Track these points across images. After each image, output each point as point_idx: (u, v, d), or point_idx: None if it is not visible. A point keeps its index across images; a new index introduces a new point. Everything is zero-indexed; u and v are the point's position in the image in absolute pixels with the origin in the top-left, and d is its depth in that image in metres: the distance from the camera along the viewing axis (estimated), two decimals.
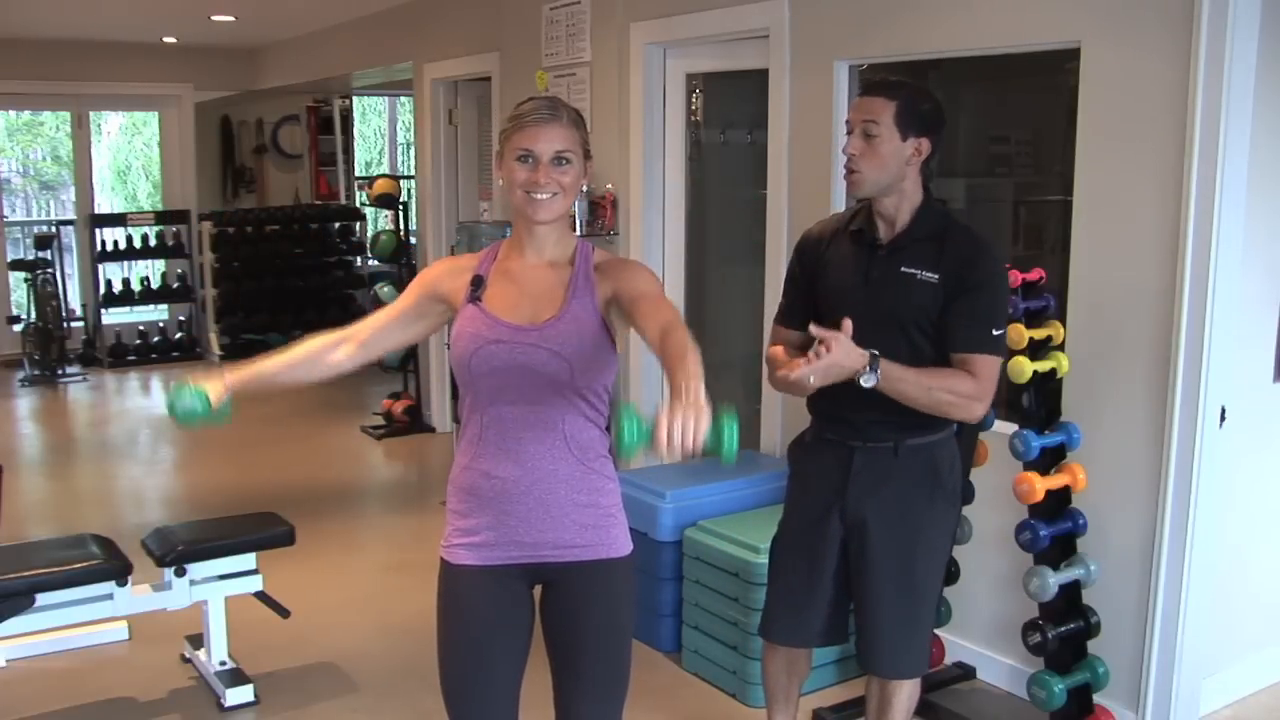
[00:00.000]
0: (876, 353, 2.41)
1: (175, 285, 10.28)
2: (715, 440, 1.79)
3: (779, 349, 2.78)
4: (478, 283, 2.23)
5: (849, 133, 2.63)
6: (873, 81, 2.70)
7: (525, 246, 2.24)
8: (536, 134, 2.15)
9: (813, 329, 2.40)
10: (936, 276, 2.56)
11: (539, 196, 2.15)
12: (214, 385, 2.28)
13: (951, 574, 3.61)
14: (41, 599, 3.43)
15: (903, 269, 2.60)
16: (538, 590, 2.30)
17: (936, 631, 3.72)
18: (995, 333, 2.55)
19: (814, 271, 2.76)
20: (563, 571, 2.23)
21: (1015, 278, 3.24)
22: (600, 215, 5.20)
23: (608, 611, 2.24)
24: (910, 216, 2.64)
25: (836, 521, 2.72)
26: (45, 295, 9.09)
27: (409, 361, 7.48)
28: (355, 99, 11.45)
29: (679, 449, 1.73)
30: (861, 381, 2.39)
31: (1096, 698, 3.35)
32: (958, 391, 2.51)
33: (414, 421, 7.40)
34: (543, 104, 2.18)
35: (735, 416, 1.79)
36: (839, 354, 2.35)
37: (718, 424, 1.78)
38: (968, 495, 3.51)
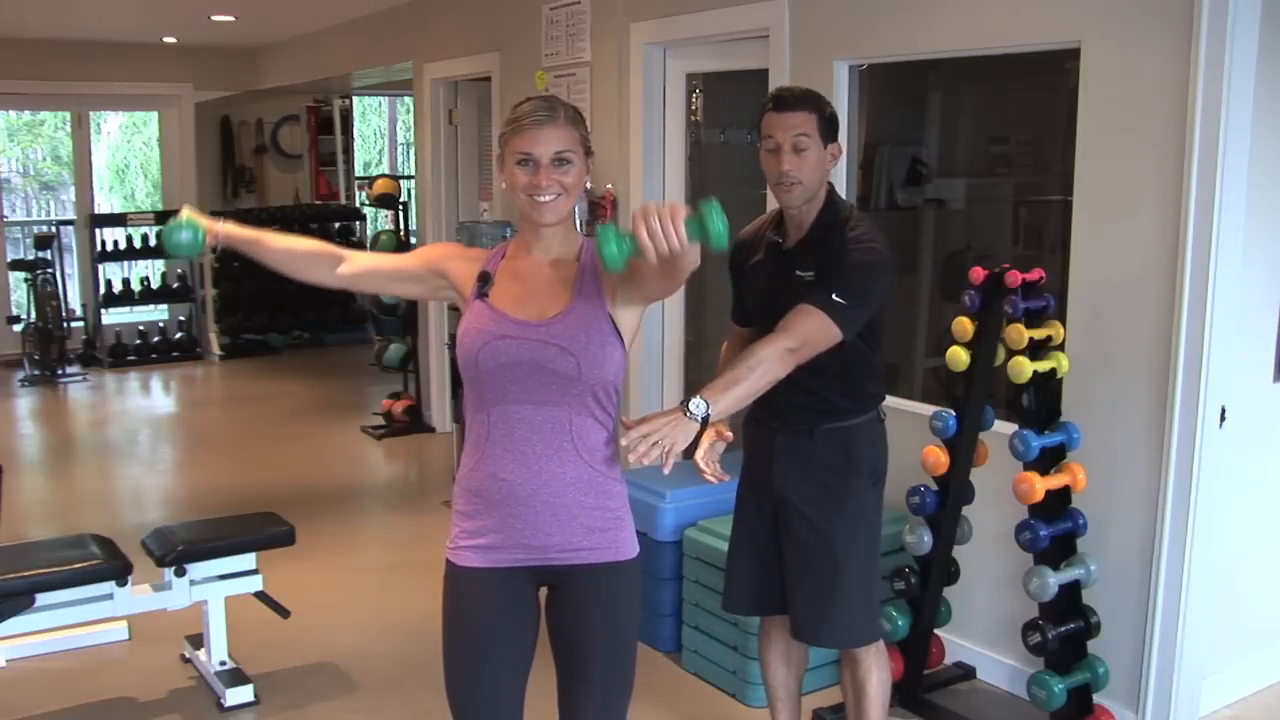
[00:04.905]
0: (686, 400, 2.27)
1: (175, 285, 10.28)
2: (699, 227, 1.79)
3: (728, 351, 2.97)
4: (485, 279, 2.24)
5: (772, 149, 2.70)
6: (784, 96, 2.73)
7: (532, 246, 2.25)
8: (535, 136, 2.14)
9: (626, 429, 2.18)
10: (812, 273, 2.68)
11: (542, 199, 2.15)
12: (212, 227, 2.30)
13: (951, 574, 3.61)
14: (41, 599, 3.43)
15: (796, 272, 2.72)
16: (543, 592, 2.29)
17: (937, 631, 3.72)
18: (835, 297, 2.56)
19: (739, 276, 2.95)
20: (569, 574, 2.22)
21: (1015, 278, 3.25)
22: (600, 215, 5.20)
23: (614, 614, 2.24)
24: (813, 220, 2.77)
25: (765, 498, 2.90)
26: (45, 295, 9.09)
27: (409, 362, 7.48)
28: (355, 99, 11.45)
29: (664, 243, 1.77)
30: (694, 411, 2.24)
31: (1096, 698, 3.35)
32: (767, 358, 2.47)
33: (414, 421, 7.39)
34: (540, 105, 2.17)
35: (715, 201, 1.79)
36: (664, 430, 2.17)
37: (697, 210, 1.79)
38: (967, 495, 3.52)
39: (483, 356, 2.16)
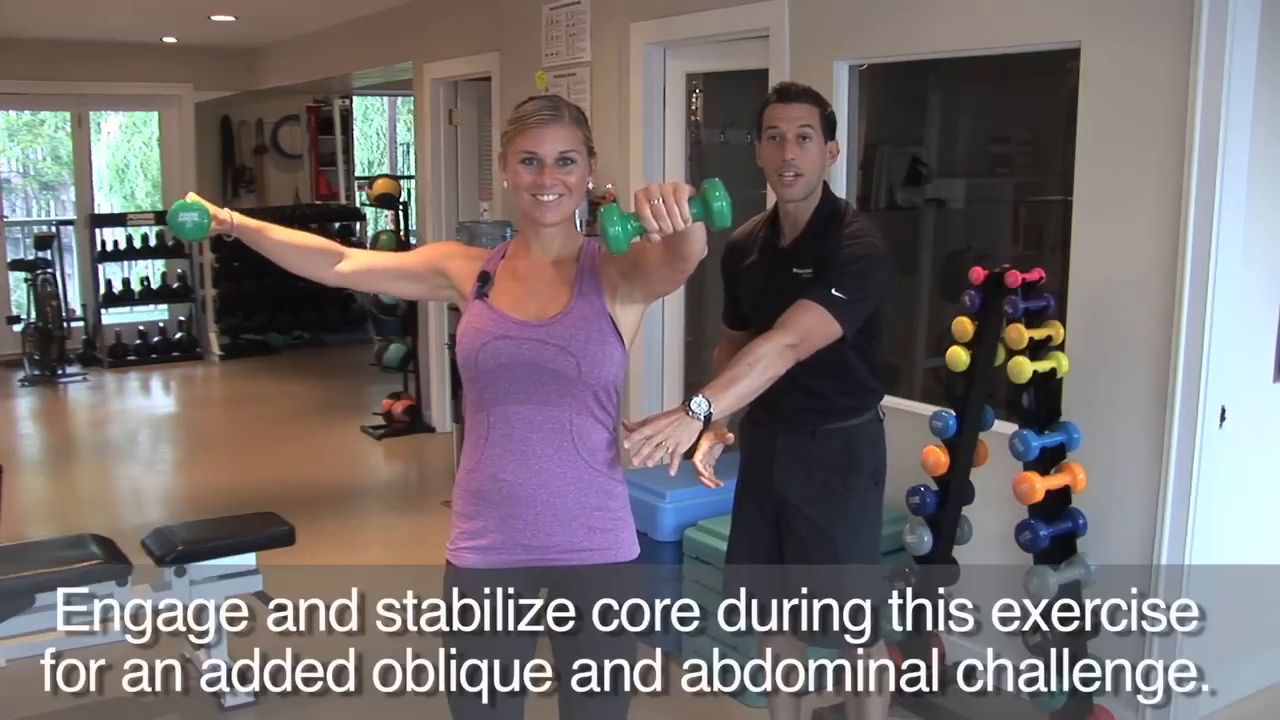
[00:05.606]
0: (687, 400, 2.25)
1: (175, 285, 10.27)
2: (702, 205, 1.78)
3: (721, 354, 2.93)
4: (484, 279, 2.24)
5: (775, 139, 2.70)
6: (789, 89, 2.75)
7: (532, 245, 2.25)
8: (540, 136, 2.14)
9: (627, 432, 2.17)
10: (810, 270, 2.66)
11: (545, 199, 2.15)
12: (218, 213, 2.25)
13: (951, 574, 3.61)
14: (41, 599, 3.43)
15: (794, 270, 2.71)
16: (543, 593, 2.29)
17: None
18: (834, 292, 2.56)
19: (733, 277, 2.93)
20: (570, 575, 2.22)
21: (1015, 278, 3.25)
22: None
23: (614, 615, 2.23)
24: (809, 218, 2.75)
25: (766, 498, 2.89)
26: (45, 295, 9.09)
27: (409, 362, 7.48)
28: (355, 99, 11.44)
29: (668, 221, 1.76)
30: (696, 410, 2.21)
31: (1096, 698, 3.34)
32: (767, 354, 2.45)
33: (414, 421, 7.39)
34: (544, 104, 2.17)
35: (718, 180, 1.78)
36: (666, 430, 2.16)
37: (701, 188, 1.78)
38: (967, 495, 3.51)
39: (482, 356, 2.16)
